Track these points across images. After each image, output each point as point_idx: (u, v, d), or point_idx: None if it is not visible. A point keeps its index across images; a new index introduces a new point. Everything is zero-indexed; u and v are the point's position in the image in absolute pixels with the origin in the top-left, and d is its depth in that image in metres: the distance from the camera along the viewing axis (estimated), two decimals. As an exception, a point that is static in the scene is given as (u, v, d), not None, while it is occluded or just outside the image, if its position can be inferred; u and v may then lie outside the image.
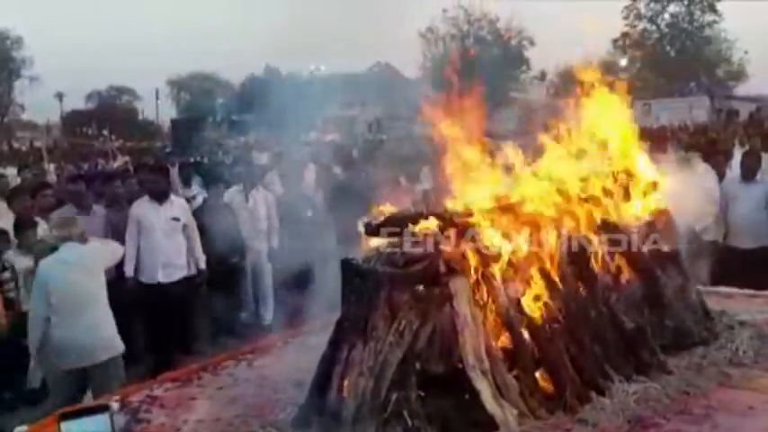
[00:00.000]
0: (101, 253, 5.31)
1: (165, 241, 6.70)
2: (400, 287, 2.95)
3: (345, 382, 3.02)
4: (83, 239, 5.09)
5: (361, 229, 3.40)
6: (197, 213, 7.38)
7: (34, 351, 4.89)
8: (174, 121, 40.03)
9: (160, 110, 56.14)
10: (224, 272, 7.54)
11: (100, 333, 4.93)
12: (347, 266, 3.16)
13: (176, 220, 6.77)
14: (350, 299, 3.12)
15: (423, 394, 2.84)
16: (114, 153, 21.22)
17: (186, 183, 8.86)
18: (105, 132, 42.29)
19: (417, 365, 2.85)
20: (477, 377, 2.82)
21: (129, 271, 6.54)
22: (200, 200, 8.67)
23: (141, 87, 58.85)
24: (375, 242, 3.33)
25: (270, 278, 8.27)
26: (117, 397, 3.62)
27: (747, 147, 9.77)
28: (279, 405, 3.43)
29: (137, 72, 74.31)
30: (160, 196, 6.72)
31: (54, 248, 5.03)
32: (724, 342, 3.86)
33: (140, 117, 58.68)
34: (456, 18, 43.36)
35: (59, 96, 57.18)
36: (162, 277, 6.66)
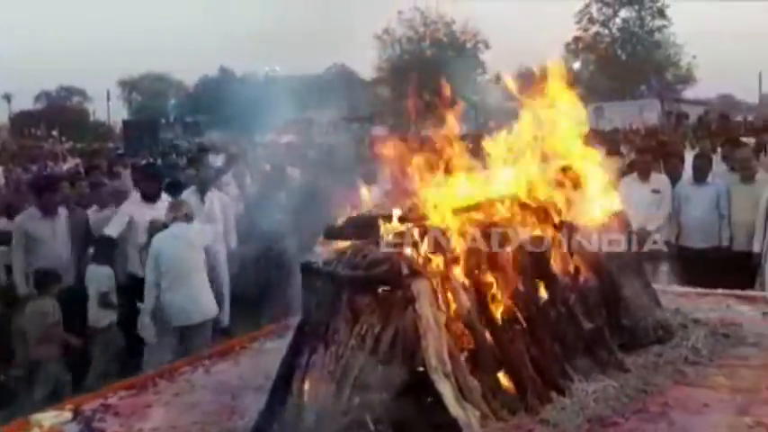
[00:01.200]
0: (202, 232, 6.41)
1: None
2: (362, 290, 2.92)
3: (306, 387, 2.97)
4: (188, 220, 6.21)
5: (322, 231, 3.36)
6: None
7: (149, 311, 5.93)
8: (125, 123, 39.28)
9: (112, 111, 55.04)
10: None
11: (198, 298, 6.01)
12: (307, 269, 3.12)
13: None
14: (310, 302, 3.08)
15: (385, 398, 2.81)
16: (64, 155, 20.71)
17: (138, 185, 8.69)
18: (55, 134, 41.25)
19: (380, 369, 2.82)
20: (440, 379, 2.80)
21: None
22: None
23: (92, 88, 57.64)
24: (336, 245, 3.29)
25: (227, 281, 8.14)
26: (70, 406, 3.51)
27: (698, 149, 10.02)
28: (237, 411, 3.38)
29: (87, 72, 72.68)
30: (153, 197, 7.14)
31: (165, 226, 6.16)
32: (679, 340, 3.94)
33: (91, 118, 57.39)
34: (412, 20, 43.47)
35: (7, 98, 55.68)
36: None
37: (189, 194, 8.35)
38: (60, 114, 52.23)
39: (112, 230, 6.93)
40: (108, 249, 6.78)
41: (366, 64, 42.95)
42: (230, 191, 9.15)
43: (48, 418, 3.33)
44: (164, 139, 30.61)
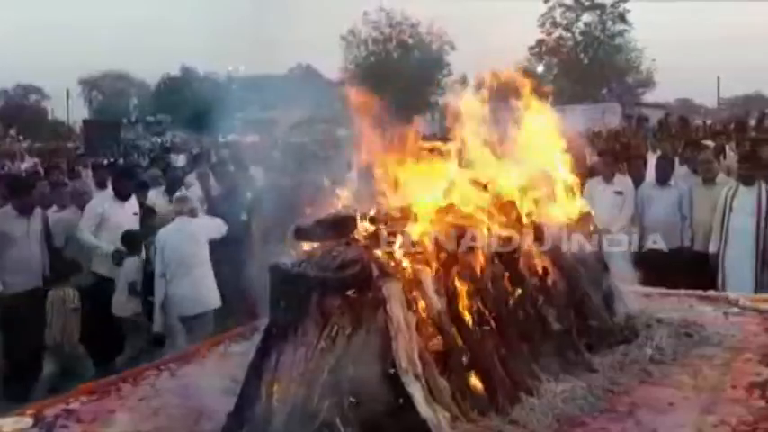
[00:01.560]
0: (206, 227, 6.71)
1: None
2: (332, 292, 2.89)
3: (275, 390, 2.93)
4: (193, 214, 6.62)
5: (290, 233, 3.32)
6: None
7: (158, 303, 6.28)
8: (86, 122, 38.61)
9: (72, 110, 53.90)
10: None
11: (200, 290, 6.27)
12: (276, 271, 3.07)
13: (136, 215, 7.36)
14: (279, 305, 3.03)
15: (355, 400, 2.79)
16: (22, 154, 20.28)
17: (100, 185, 8.54)
18: (12, 132, 40.24)
19: (350, 371, 2.79)
20: (410, 381, 2.79)
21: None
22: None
23: (51, 86, 56.35)
24: (305, 246, 3.26)
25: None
26: (31, 411, 3.41)
27: (660, 152, 10.21)
28: (204, 415, 3.30)
29: (44, 71, 71.07)
30: (127, 195, 7.34)
31: (172, 220, 6.61)
32: (644, 340, 4.00)
33: (50, 117, 56.17)
34: (378, 21, 43.51)
35: (-37, 96, 54.25)
36: None
37: (157, 195, 8.23)
38: (18, 113, 51.01)
39: (84, 228, 6.98)
40: (136, 240, 6.94)
41: (332, 65, 42.85)
42: (194, 191, 9.02)
43: (8, 423, 3.23)
44: (125, 138, 30.14)
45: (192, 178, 9.86)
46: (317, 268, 2.97)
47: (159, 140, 30.62)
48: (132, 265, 6.81)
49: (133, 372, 4.08)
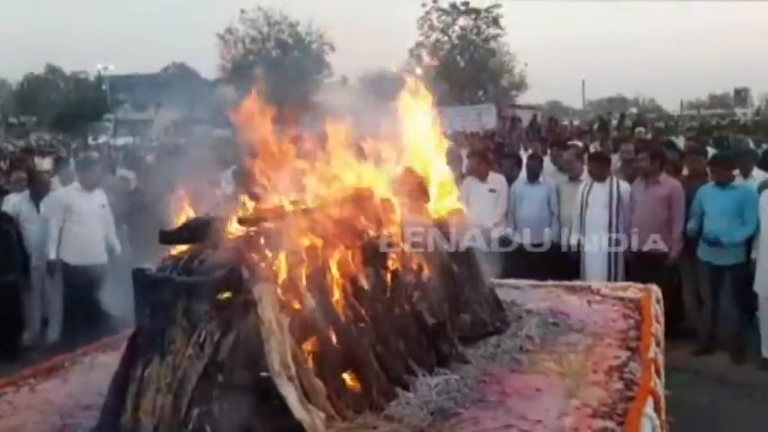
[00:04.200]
0: None
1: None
2: (200, 297, 2.79)
3: (141, 401, 2.80)
4: None
5: (157, 236, 3.18)
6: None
7: None
8: (-60, 123, 35.59)
9: None
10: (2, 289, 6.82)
11: None
12: (140, 277, 2.93)
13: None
14: (144, 312, 2.90)
15: (227, 407, 2.71)
16: None
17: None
18: None
19: (220, 377, 2.71)
20: (284, 384, 2.74)
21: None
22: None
23: None
24: (172, 250, 3.13)
25: (60, 293, 7.56)
26: None
27: (530, 151, 10.69)
28: (66, 432, 3.11)
29: None
30: (92, 186, 7.39)
31: None
32: (514, 330, 4.16)
33: None
34: (256, 20, 42.80)
35: None
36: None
37: (21, 201, 7.69)
38: None
39: None
40: None
41: (208, 63, 41.79)
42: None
43: None
44: (-16, 140, 28.09)
45: (56, 182, 9.29)
46: (183, 272, 2.86)
47: (23, 143, 28.77)
48: None
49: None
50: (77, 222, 7.20)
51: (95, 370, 3.85)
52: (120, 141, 15.28)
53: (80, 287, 6.94)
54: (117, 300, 3.71)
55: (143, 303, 2.89)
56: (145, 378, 2.78)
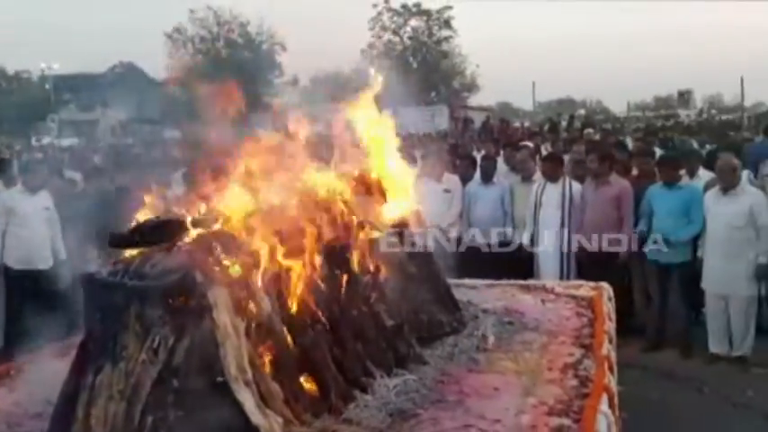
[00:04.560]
0: None
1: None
2: (153, 301, 2.71)
3: (93, 410, 2.70)
4: None
5: (107, 240, 3.09)
6: None
7: None
8: None
9: None
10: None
11: None
12: (90, 281, 2.84)
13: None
14: (94, 317, 2.81)
15: (182, 413, 2.64)
16: None
17: None
18: None
19: (175, 383, 2.64)
20: (240, 388, 2.69)
21: None
22: None
23: None
24: (122, 253, 3.04)
25: (2, 299, 7.30)
26: None
27: (483, 152, 10.78)
28: (12, 445, 3.00)
29: None
30: (36, 188, 7.20)
31: None
32: (471, 330, 4.18)
33: None
34: (205, 19, 42.17)
35: None
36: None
37: None
38: None
39: None
40: None
41: (156, 63, 41.03)
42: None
43: None
44: None
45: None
46: (134, 277, 2.78)
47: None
48: None
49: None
50: (20, 225, 7.02)
51: (43, 378, 3.71)
52: (65, 142, 14.84)
53: (24, 292, 6.76)
54: (63, 305, 3.60)
55: (93, 309, 2.80)
56: (96, 385, 2.68)
